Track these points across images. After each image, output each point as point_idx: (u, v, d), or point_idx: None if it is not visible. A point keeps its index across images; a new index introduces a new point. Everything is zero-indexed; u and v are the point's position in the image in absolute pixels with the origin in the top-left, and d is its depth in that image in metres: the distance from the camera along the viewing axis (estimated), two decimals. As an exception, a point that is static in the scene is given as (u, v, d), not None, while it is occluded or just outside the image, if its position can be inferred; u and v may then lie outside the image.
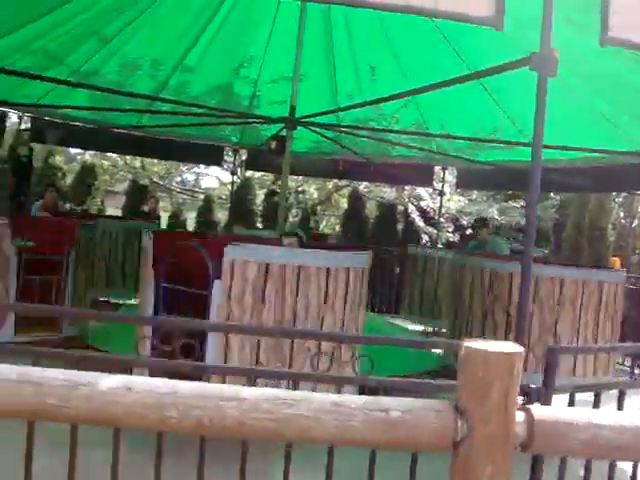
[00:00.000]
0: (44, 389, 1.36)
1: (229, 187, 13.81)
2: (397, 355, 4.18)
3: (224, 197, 17.01)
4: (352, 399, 1.39)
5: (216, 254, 4.15)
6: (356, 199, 15.73)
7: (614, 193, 13.83)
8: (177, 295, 4.38)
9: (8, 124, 10.34)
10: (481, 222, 9.70)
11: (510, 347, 1.43)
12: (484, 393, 1.37)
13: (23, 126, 10.07)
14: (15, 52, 7.26)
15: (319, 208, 17.46)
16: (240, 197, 14.56)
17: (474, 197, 16.08)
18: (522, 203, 14.76)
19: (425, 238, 15.05)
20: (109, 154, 16.09)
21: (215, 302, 4.10)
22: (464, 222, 15.38)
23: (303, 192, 17.04)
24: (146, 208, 11.47)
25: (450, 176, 12.97)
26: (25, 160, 9.69)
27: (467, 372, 1.40)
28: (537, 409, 1.48)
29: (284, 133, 7.50)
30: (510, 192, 15.10)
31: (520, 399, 2.00)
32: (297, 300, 4.13)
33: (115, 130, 10.00)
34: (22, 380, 1.36)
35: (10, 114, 9.95)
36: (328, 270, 4.24)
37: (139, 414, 1.36)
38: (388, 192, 16.00)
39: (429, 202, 15.15)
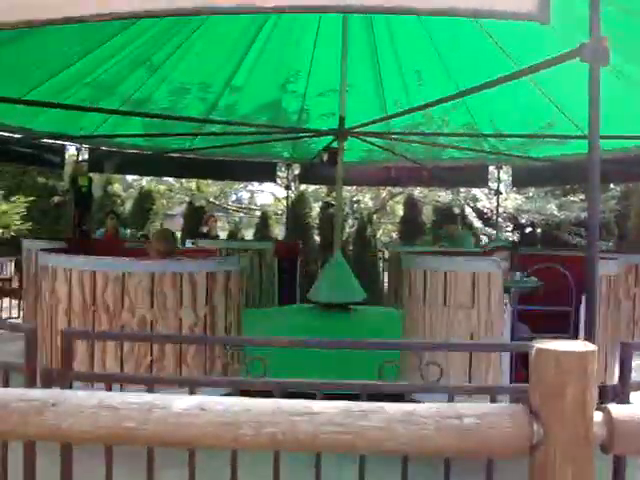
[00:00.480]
0: (120, 413, 1.39)
1: (284, 202, 13.88)
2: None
3: (280, 212, 17.12)
4: (424, 408, 1.38)
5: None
6: (412, 205, 15.63)
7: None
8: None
9: (67, 156, 10.62)
10: (449, 218, 9.74)
11: (582, 346, 1.40)
12: (558, 395, 1.34)
13: (81, 157, 10.33)
14: (70, 86, 7.49)
15: (375, 216, 17.41)
16: (296, 211, 14.63)
17: (531, 194, 15.80)
18: (581, 197, 14.45)
19: (484, 239, 14.86)
20: (165, 178, 16.38)
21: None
22: (523, 221, 15.14)
23: (358, 202, 17.02)
24: (205, 229, 11.60)
25: (505, 175, 12.80)
26: (85, 190, 9.94)
27: (539, 374, 1.37)
28: (615, 408, 1.44)
29: (335, 145, 7.52)
30: (568, 186, 14.80)
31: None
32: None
33: (169, 154, 10.20)
34: (100, 405, 1.40)
35: (68, 146, 10.22)
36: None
37: (213, 433, 1.37)
38: (443, 195, 15.86)
39: (486, 203, 14.96)
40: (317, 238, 15.00)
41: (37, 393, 1.46)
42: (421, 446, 1.37)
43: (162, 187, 17.01)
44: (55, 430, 1.38)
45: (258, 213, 17.77)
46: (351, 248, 14.28)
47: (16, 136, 8.61)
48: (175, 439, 1.39)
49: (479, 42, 7.10)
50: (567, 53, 2.94)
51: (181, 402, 1.39)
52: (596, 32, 2.63)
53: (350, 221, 16.18)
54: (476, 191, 14.95)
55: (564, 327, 4.14)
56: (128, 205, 15.71)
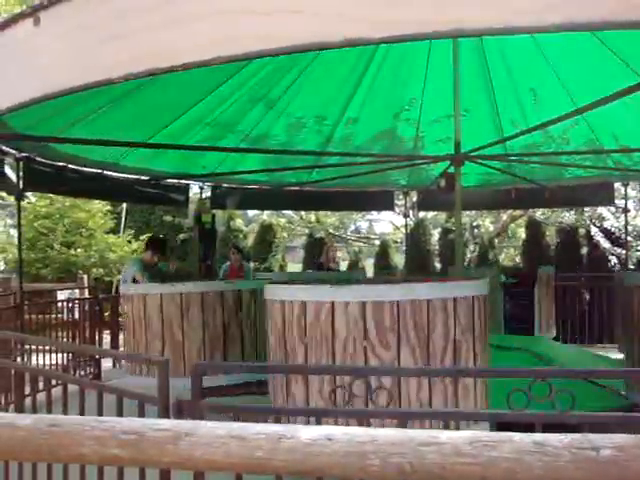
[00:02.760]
0: (250, 443, 1.42)
1: (403, 230, 13.85)
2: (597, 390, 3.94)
3: (399, 240, 17.09)
4: (556, 438, 1.33)
5: None
6: (534, 227, 15.20)
7: None
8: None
9: (191, 194, 11.07)
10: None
11: None
12: None
13: (204, 195, 10.73)
14: (191, 128, 7.83)
15: (496, 240, 17.07)
16: (415, 238, 14.55)
17: (663, 210, 15.05)
18: None
19: (613, 260, 14.22)
20: (284, 211, 16.74)
21: None
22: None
23: (478, 226, 16.76)
24: (322, 259, 11.76)
25: (633, 191, 12.26)
26: (209, 226, 10.29)
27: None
28: None
29: (451, 170, 7.45)
30: None
31: None
32: None
33: (288, 188, 10.43)
34: (230, 435, 1.43)
35: (191, 185, 10.66)
36: None
37: (341, 464, 1.38)
38: (567, 216, 15.36)
39: (613, 221, 14.35)
40: (438, 265, 14.84)
41: (171, 423, 1.51)
42: (555, 478, 1.32)
43: (282, 220, 17.39)
44: (188, 459, 1.43)
45: (377, 242, 17.81)
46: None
47: (143, 177, 9.07)
48: (303, 469, 1.40)
49: (595, 54, 6.87)
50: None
51: (308, 432, 1.40)
52: None
53: (471, 246, 15.93)
54: (602, 210, 14.39)
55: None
56: (250, 239, 16.14)
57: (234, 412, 2.76)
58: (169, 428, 1.47)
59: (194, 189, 11.48)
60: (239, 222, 15.79)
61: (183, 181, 10.05)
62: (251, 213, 18.63)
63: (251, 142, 8.59)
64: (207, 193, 10.66)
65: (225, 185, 10.37)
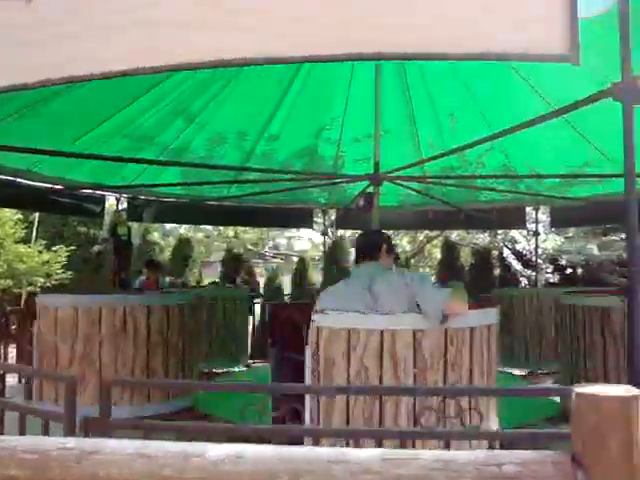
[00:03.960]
0: (158, 461, 1.39)
1: (321, 247, 13.93)
2: (512, 404, 4.05)
3: (317, 258, 17.18)
4: (462, 455, 1.35)
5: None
6: (449, 248, 15.57)
7: None
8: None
9: (107, 205, 10.85)
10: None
11: (624, 390, 1.36)
12: (601, 443, 1.31)
13: (120, 207, 10.53)
14: (110, 138, 7.68)
15: (412, 260, 17.36)
16: (333, 256, 14.65)
17: (571, 234, 15.64)
18: (622, 235, 14.25)
19: (524, 281, 14.69)
20: (203, 226, 16.59)
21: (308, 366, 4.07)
22: (563, 262, 14.97)
23: (395, 246, 17.01)
24: (239, 279, 11.78)
25: (543, 215, 12.69)
26: (124, 239, 10.11)
27: (580, 421, 1.34)
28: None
29: (370, 189, 7.55)
30: (609, 226, 14.63)
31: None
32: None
33: (207, 202, 10.34)
34: (137, 453, 1.40)
35: (108, 196, 10.45)
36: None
37: (250, 482, 1.37)
38: (481, 238, 15.78)
39: (524, 244, 14.84)
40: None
41: (75, 442, 1.46)
42: (461, 495, 1.34)
43: (200, 234, 17.21)
44: (93, 478, 1.39)
45: (295, 259, 17.84)
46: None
47: (57, 187, 8.82)
48: (212, 488, 1.38)
49: (512, 83, 7.11)
50: (599, 93, 2.94)
51: (217, 450, 1.38)
52: (628, 72, 2.63)
53: (388, 265, 16.13)
54: (514, 233, 14.86)
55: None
56: (166, 253, 15.90)
57: (144, 430, 2.69)
58: (73, 447, 1.42)
59: (110, 200, 11.26)
60: (156, 235, 15.55)
61: (99, 192, 9.83)
62: (168, 226, 18.35)
63: (171, 155, 8.49)
64: (123, 205, 10.47)
65: (142, 197, 10.20)
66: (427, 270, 18.20)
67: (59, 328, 6.29)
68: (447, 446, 2.65)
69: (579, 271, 15.21)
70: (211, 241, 18.01)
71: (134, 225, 11.63)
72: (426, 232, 16.91)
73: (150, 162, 7.93)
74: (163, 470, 1.36)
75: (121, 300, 6.44)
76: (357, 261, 4.57)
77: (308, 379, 4.00)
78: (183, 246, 15.34)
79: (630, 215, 2.68)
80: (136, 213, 10.43)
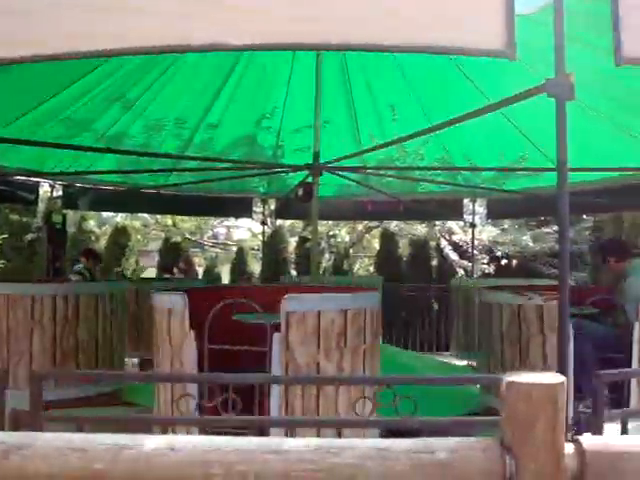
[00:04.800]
0: (90, 454, 1.36)
1: (260, 237, 13.89)
2: (438, 395, 4.10)
3: (256, 247, 17.12)
4: (396, 443, 1.37)
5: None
6: (387, 238, 15.70)
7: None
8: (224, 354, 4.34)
9: (41, 193, 10.57)
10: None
11: (551, 378, 1.40)
12: (529, 428, 1.34)
13: (55, 194, 10.28)
14: (44, 123, 7.47)
15: (351, 251, 17.46)
16: (272, 246, 14.63)
17: (506, 226, 15.97)
18: (555, 228, 14.62)
19: (460, 272, 14.95)
20: (140, 215, 16.33)
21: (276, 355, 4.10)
22: (498, 253, 15.27)
23: (334, 236, 17.08)
24: (175, 270, 11.66)
25: (480, 207, 12.91)
26: (59, 227, 9.88)
27: (509, 407, 1.38)
28: (587, 440, 1.44)
29: (310, 179, 7.56)
30: (542, 218, 14.99)
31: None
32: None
33: (144, 191, 10.18)
34: (68, 447, 1.37)
35: (42, 183, 10.17)
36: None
37: (184, 473, 1.36)
38: (419, 229, 15.98)
39: (461, 235, 15.09)
40: (294, 273, 14.99)
41: (2, 436, 1.43)
42: (394, 482, 1.36)
43: (137, 223, 16.95)
44: (20, 474, 1.36)
45: (235, 249, 17.75)
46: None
47: (-12, 174, 8.57)
48: (145, 479, 1.37)
49: (452, 77, 7.21)
50: (534, 89, 3.00)
51: (151, 442, 1.37)
52: (561, 68, 2.69)
53: (327, 255, 16.20)
54: (452, 224, 15.09)
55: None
56: (103, 242, 15.60)
57: (77, 423, 2.65)
58: (1, 441, 1.38)
59: (45, 187, 10.97)
60: (92, 223, 15.23)
61: (33, 179, 9.56)
62: (105, 215, 18.01)
63: (107, 142, 8.30)
64: (58, 192, 10.22)
65: (78, 185, 9.97)
66: (365, 260, 18.34)
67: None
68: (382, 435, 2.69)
69: (514, 262, 15.56)
70: (149, 230, 17.75)
71: (69, 213, 11.37)
72: (366, 223, 17.01)
73: (86, 149, 7.74)
74: (95, 463, 1.34)
75: (52, 289, 6.23)
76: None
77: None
78: (119, 235, 15.06)
79: (562, 208, 2.74)
80: (71, 201, 10.19)
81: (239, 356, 4.29)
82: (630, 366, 5.21)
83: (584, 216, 14.64)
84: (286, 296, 4.12)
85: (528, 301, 5.65)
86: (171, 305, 4.35)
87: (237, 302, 4.54)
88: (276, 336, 4.08)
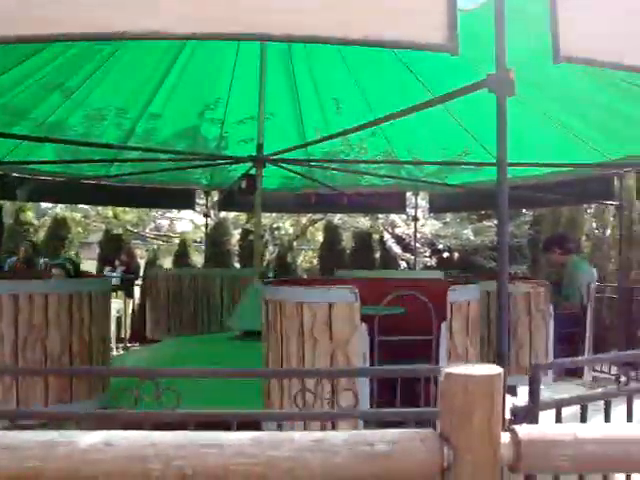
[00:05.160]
0: (22, 453, 1.33)
1: (203, 229, 13.76)
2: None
3: (199, 240, 16.96)
4: (335, 435, 1.37)
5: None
6: (331, 231, 15.75)
7: (584, 205, 13.99)
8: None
9: (-25, 183, 10.26)
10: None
11: (489, 369, 1.43)
12: (466, 418, 1.36)
13: (-9, 184, 9.99)
14: (-22, 111, 7.26)
15: (295, 243, 17.46)
16: (215, 238, 14.52)
17: (448, 220, 16.18)
18: (496, 222, 14.85)
19: (403, 264, 15.09)
20: (80, 206, 16.00)
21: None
22: (440, 246, 15.46)
23: (278, 229, 17.05)
24: (117, 263, 11.50)
25: (423, 201, 13.03)
26: (-5, 218, 9.62)
27: (448, 398, 1.39)
28: (523, 429, 1.47)
29: (253, 172, 7.52)
30: (483, 212, 15.23)
31: (508, 418, 1.99)
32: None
33: (85, 181, 9.97)
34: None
35: (-23, 173, 9.87)
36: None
37: (121, 469, 1.33)
38: (363, 222, 16.06)
39: (404, 228, 15.22)
40: (237, 265, 14.92)
41: None
42: (334, 474, 1.36)
43: (78, 215, 16.61)
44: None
45: (177, 241, 17.55)
46: (271, 275, 14.24)
47: None
48: (80, 476, 1.34)
49: (396, 71, 7.26)
50: (475, 84, 3.03)
51: (86, 437, 1.34)
52: (502, 63, 2.72)
53: (271, 248, 16.16)
54: (395, 217, 15.21)
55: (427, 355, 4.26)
56: (42, 234, 15.24)
57: (10, 419, 2.58)
58: None
59: (-21, 177, 10.65)
60: (30, 215, 14.84)
61: (-33, 168, 9.27)
62: (44, 206, 17.59)
63: (45, 131, 8.10)
64: (-5, 182, 9.92)
65: (15, 175, 9.70)
66: (309, 253, 18.37)
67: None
68: (323, 428, 2.69)
69: (455, 255, 15.78)
70: (89, 222, 17.41)
71: (6, 204, 11.07)
72: (309, 215, 17.02)
73: (23, 138, 7.55)
74: (26, 461, 1.30)
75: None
76: None
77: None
78: (59, 226, 14.72)
79: (501, 202, 2.79)
80: (8, 191, 9.91)
81: (400, 347, 4.31)
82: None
83: (523, 210, 14.94)
84: (451, 287, 4.44)
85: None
86: (336, 299, 4.24)
87: (404, 294, 4.48)
88: (443, 325, 4.26)
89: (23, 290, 4.85)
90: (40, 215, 17.26)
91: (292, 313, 4.20)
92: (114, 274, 12.05)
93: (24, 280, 5.59)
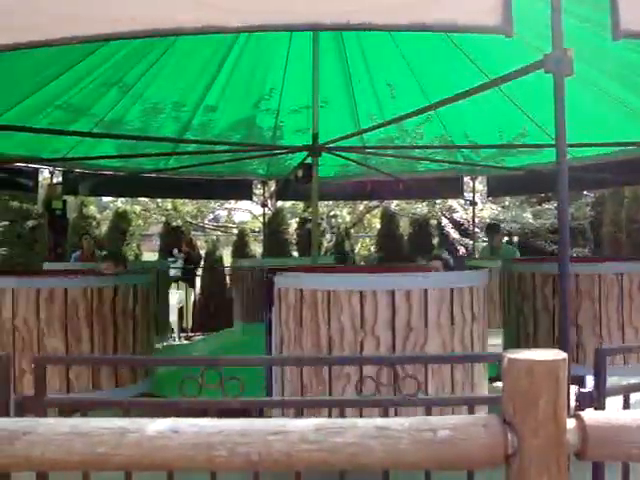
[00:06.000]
0: (94, 439, 1.37)
1: (261, 219, 13.88)
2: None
3: (257, 230, 17.10)
4: (398, 422, 1.38)
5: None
6: (388, 218, 15.70)
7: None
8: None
9: (40, 179, 10.53)
10: (494, 228, 9.73)
11: (554, 354, 1.41)
12: (531, 404, 1.35)
13: (55, 180, 10.26)
14: (41, 109, 7.45)
15: (352, 231, 17.46)
16: (273, 228, 14.63)
17: (507, 204, 15.94)
18: (556, 204, 14.55)
19: (462, 250, 14.95)
20: (141, 199, 16.30)
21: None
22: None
23: (335, 217, 17.06)
24: (176, 251, 11.69)
25: (480, 185, 12.89)
26: (59, 213, 9.86)
27: (511, 383, 1.38)
28: (589, 415, 1.45)
29: (309, 161, 7.54)
30: (543, 195, 14.96)
31: (573, 404, 1.96)
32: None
33: (144, 175, 10.17)
34: (72, 432, 1.38)
35: (41, 169, 10.14)
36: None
37: (188, 456, 1.36)
38: (420, 208, 15.95)
39: (462, 213, 15.07)
40: (296, 254, 15.00)
41: (7, 422, 1.44)
42: (397, 460, 1.37)
43: (138, 208, 16.92)
44: (27, 459, 1.37)
45: (235, 231, 17.73)
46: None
47: (-12, 161, 8.55)
48: (149, 463, 1.38)
49: (450, 54, 7.16)
50: (532, 64, 2.98)
51: (154, 425, 1.38)
52: (558, 43, 2.67)
53: (328, 236, 16.20)
54: (452, 202, 15.06)
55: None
56: (104, 227, 15.61)
57: (81, 408, 2.66)
58: (5, 427, 1.39)
59: (44, 174, 10.95)
60: (92, 209, 15.19)
61: (32, 165, 9.54)
62: (105, 200, 17.98)
63: (105, 127, 8.29)
64: (58, 178, 10.20)
65: (78, 170, 9.95)
66: (366, 240, 18.34)
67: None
68: (386, 414, 2.70)
69: (515, 239, 15.55)
70: (149, 214, 17.71)
71: (70, 199, 11.36)
72: (366, 203, 16.99)
73: (84, 134, 7.74)
74: (98, 448, 1.35)
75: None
76: None
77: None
78: (120, 219, 15.05)
79: (561, 184, 2.74)
80: (71, 186, 10.17)
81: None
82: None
83: (585, 192, 14.61)
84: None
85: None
86: (472, 282, 4.24)
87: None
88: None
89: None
90: (102, 209, 17.66)
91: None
92: (175, 264, 12.25)
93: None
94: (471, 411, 2.64)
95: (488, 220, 15.15)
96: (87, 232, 11.49)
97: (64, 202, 10.04)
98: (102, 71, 7.13)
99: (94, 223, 14.90)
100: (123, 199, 16.16)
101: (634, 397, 2.68)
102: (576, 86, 6.15)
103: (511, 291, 6.35)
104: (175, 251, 12.33)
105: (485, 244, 11.58)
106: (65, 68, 6.79)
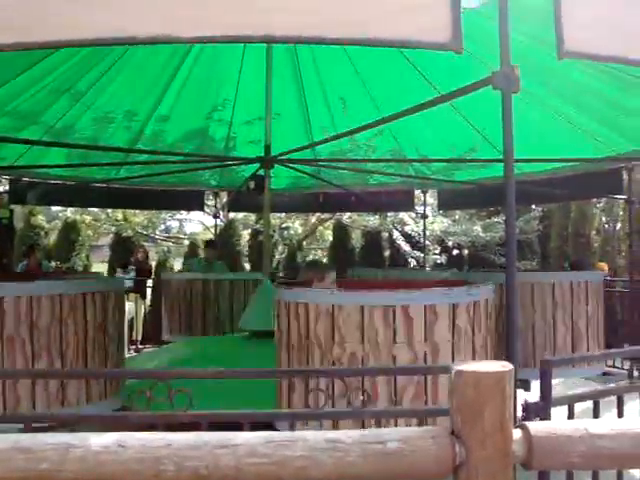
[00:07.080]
0: (37, 455, 1.34)
1: (213, 230, 13.78)
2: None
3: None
4: (347, 434, 1.38)
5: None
6: (340, 230, 15.76)
7: (594, 199, 13.96)
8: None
9: (-14, 188, 10.33)
10: (210, 244, 10.10)
11: (500, 366, 1.43)
12: (477, 415, 1.37)
13: (1, 189, 10.05)
14: (-11, 116, 7.29)
15: (305, 243, 17.47)
16: (225, 239, 14.55)
17: (457, 217, 16.15)
18: (504, 218, 14.78)
19: (412, 262, 15.08)
20: (91, 209, 16.06)
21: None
22: (449, 243, 15.44)
23: (287, 228, 17.05)
24: (132, 260, 11.50)
25: (431, 198, 13.03)
26: (6, 222, 9.65)
27: (459, 395, 1.40)
28: (534, 425, 1.48)
29: (262, 172, 7.53)
30: (492, 208, 15.20)
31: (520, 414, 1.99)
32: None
33: (94, 185, 10.01)
34: (14, 448, 1.35)
35: (-13, 178, 9.93)
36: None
37: (134, 470, 1.34)
38: (372, 220, 16.05)
39: (413, 226, 15.20)
40: (247, 266, 14.94)
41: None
42: (346, 473, 1.37)
43: (88, 218, 16.65)
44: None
45: (187, 242, 17.58)
46: (282, 275, 14.27)
47: None
48: (94, 479, 1.35)
49: (402, 70, 7.24)
50: (480, 81, 3.03)
51: (100, 439, 1.35)
52: (506, 60, 2.73)
53: (280, 248, 16.18)
54: (404, 215, 15.19)
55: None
56: (52, 237, 15.31)
57: (25, 424, 2.60)
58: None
59: (-10, 182, 10.72)
60: (40, 218, 14.91)
61: (-24, 174, 9.33)
62: (54, 209, 17.65)
63: (55, 134, 8.14)
64: (5, 187, 9.99)
65: (26, 179, 9.74)
66: (318, 252, 18.36)
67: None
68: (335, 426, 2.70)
69: (465, 252, 15.76)
70: (99, 224, 17.44)
71: (17, 208, 11.13)
72: (318, 214, 17.02)
73: (33, 142, 7.59)
74: (41, 464, 1.32)
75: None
76: None
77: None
78: (69, 230, 14.80)
79: (509, 198, 2.79)
80: (19, 195, 9.95)
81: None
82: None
83: (533, 206, 14.89)
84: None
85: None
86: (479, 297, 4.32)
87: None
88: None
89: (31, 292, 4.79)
90: (51, 218, 17.32)
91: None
92: (126, 276, 12.08)
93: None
94: (422, 423, 2.66)
95: (438, 233, 15.34)
96: (34, 243, 11.25)
97: (11, 211, 9.84)
98: (53, 78, 7.00)
99: (42, 233, 14.61)
100: (72, 209, 15.89)
101: (578, 407, 2.74)
102: (524, 103, 6.29)
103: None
104: (130, 267, 12.15)
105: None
106: (14, 74, 6.66)
